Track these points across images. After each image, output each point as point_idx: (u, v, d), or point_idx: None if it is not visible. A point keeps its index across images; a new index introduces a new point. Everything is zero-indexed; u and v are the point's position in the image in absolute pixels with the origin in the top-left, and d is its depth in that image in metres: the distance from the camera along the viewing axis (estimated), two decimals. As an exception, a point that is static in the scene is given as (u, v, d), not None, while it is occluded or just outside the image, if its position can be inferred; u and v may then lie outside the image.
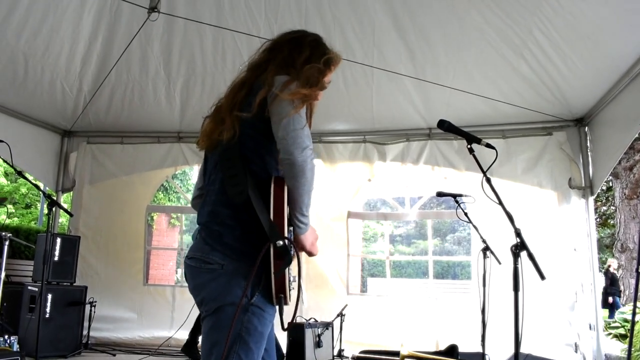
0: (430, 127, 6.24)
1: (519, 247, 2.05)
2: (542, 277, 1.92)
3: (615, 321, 8.42)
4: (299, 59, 1.94)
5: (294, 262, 1.80)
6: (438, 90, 5.45)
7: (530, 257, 1.99)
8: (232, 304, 1.71)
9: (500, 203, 2.18)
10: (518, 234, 2.06)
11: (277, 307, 1.78)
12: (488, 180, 2.22)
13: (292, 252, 1.72)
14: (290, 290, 1.76)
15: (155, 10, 4.70)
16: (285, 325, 1.74)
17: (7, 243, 4.20)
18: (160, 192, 15.02)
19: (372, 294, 14.23)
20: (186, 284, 1.90)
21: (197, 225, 1.92)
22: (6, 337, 4.57)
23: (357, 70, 5.37)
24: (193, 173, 15.14)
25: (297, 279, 1.84)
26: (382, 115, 6.18)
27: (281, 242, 1.66)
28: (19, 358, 3.56)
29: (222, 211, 1.82)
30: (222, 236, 1.78)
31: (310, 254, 1.88)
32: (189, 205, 8.26)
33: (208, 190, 1.92)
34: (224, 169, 1.85)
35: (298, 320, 5.52)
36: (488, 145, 2.33)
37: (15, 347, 4.61)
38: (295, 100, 1.76)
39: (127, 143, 6.97)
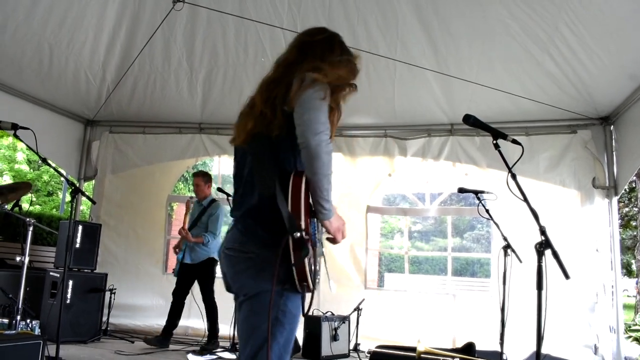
0: (452, 123, 6.18)
1: (544, 246, 2.01)
2: (567, 276, 1.88)
3: (636, 324, 8.30)
4: (331, 57, 2.01)
5: (318, 252, 1.91)
6: (461, 85, 5.39)
7: (555, 255, 1.95)
8: (268, 291, 1.79)
9: (526, 200, 2.13)
10: (543, 232, 2.02)
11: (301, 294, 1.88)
12: (514, 177, 2.18)
13: (309, 244, 1.77)
14: (313, 279, 1.84)
15: (180, 0, 4.72)
16: (306, 311, 1.87)
17: (31, 229, 4.25)
18: (180, 183, 15.14)
19: (389, 288, 14.17)
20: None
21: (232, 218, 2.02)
22: (28, 321, 4.64)
23: (379, 64, 5.32)
24: (213, 164, 15.22)
25: (318, 269, 1.94)
26: (404, 109, 6.12)
27: (298, 234, 1.72)
28: (42, 342, 3.60)
29: (254, 204, 1.90)
30: (256, 228, 1.88)
31: (334, 240, 1.92)
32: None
33: (243, 184, 1.99)
34: (256, 163, 1.93)
35: (315, 313, 5.53)
36: (514, 141, 2.29)
37: (37, 331, 4.69)
38: (319, 91, 1.81)
39: (149, 133, 7.04)
